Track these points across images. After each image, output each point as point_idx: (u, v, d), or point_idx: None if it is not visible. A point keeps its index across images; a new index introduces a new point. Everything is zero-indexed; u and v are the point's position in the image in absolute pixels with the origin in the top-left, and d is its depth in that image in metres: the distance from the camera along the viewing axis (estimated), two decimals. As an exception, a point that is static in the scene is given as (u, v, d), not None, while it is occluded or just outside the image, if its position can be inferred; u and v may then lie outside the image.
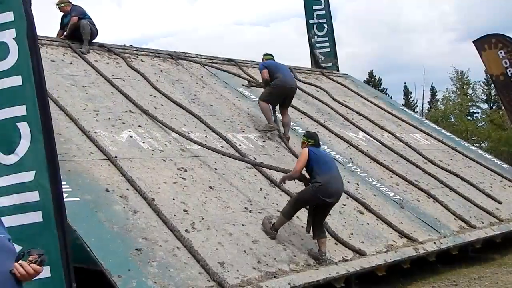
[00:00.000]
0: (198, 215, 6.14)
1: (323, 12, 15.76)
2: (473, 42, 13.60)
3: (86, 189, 5.85)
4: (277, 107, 9.41)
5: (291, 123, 9.75)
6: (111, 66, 9.76)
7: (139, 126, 7.86)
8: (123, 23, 79.91)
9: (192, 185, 6.78)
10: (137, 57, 10.80)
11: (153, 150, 7.30)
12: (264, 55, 9.82)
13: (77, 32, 9.95)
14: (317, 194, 6.06)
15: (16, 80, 4.06)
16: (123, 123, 7.78)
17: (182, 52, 11.92)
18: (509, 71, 12.84)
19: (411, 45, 68.89)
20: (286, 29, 78.14)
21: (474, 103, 37.41)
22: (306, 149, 6.32)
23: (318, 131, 10.13)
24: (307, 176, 6.34)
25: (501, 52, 12.92)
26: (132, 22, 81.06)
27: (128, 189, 6.15)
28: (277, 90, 9.14)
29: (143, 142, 7.43)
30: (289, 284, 5.42)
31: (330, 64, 15.74)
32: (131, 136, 7.47)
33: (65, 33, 10.04)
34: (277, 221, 6.26)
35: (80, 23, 9.92)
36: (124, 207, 5.77)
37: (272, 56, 9.76)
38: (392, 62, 69.61)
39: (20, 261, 2.57)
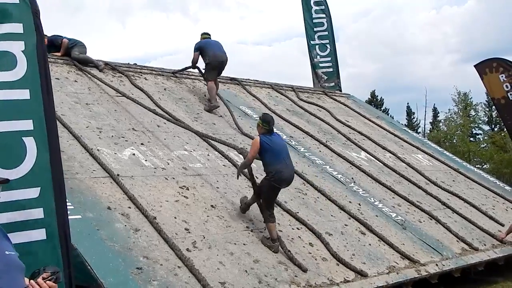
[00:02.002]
0: (199, 234, 6.12)
1: (326, 33, 15.90)
2: (474, 66, 13.76)
3: (88, 206, 5.84)
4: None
5: (294, 142, 9.87)
6: (115, 84, 9.81)
7: (141, 144, 7.88)
8: (127, 42, 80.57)
9: (193, 203, 6.78)
10: (141, 75, 10.87)
11: (155, 168, 7.31)
12: (202, 34, 10.86)
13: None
14: (272, 183, 6.52)
15: (24, 94, 4.00)
16: (126, 140, 7.80)
17: (187, 70, 11.96)
18: (510, 94, 12.98)
19: (414, 66, 69.12)
20: (289, 49, 78.50)
21: (476, 125, 37.43)
22: (258, 138, 6.62)
23: (320, 151, 10.21)
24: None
25: (502, 76, 13.07)
26: (136, 41, 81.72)
27: (130, 207, 6.14)
28: (210, 66, 10.39)
29: (146, 160, 7.44)
30: (290, 305, 5.39)
31: (332, 84, 15.83)
32: (134, 154, 7.49)
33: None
34: (269, 232, 6.45)
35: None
36: (125, 225, 5.76)
37: (209, 34, 10.82)
38: (394, 83, 69.81)
39: (37, 279, 2.58)
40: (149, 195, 6.56)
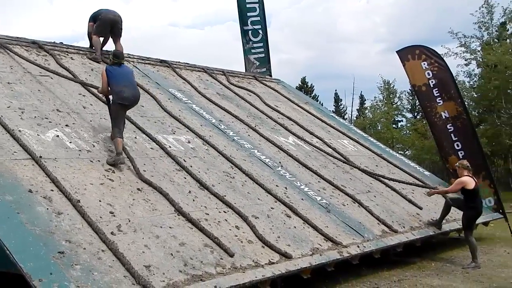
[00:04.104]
0: (124, 217, 6.05)
1: (258, 18, 15.98)
2: (396, 52, 13.92)
3: (7, 189, 5.64)
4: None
5: (223, 126, 9.89)
6: (39, 63, 9.45)
7: (66, 125, 7.67)
8: (54, 20, 77.37)
9: (119, 186, 6.69)
10: (67, 54, 10.53)
11: (80, 151, 7.14)
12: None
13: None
14: (117, 101, 7.56)
15: None
16: (49, 122, 7.55)
17: (114, 51, 11.71)
18: (431, 82, 13.30)
19: (344, 54, 70.86)
20: (221, 33, 78.32)
21: (399, 112, 38.89)
22: (103, 70, 7.79)
23: (249, 135, 10.30)
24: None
25: (424, 63, 13.36)
26: (64, 19, 78.64)
27: (52, 190, 5.98)
28: (101, 22, 10.75)
29: (70, 142, 7.25)
30: (215, 287, 5.43)
31: (264, 69, 15.98)
32: (58, 136, 7.27)
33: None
34: (116, 146, 7.30)
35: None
36: (47, 209, 5.61)
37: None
38: (324, 70, 71.29)
39: None
40: (73, 178, 6.41)
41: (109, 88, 7.67)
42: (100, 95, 8.52)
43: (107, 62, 10.12)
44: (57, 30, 73.35)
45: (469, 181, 9.00)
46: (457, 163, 9.57)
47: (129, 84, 7.77)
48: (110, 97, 7.80)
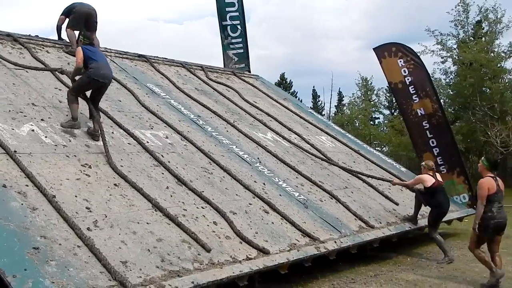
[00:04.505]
0: (101, 213, 5.99)
1: (237, 14, 15.95)
2: (373, 49, 14.07)
3: (-20, 184, 5.55)
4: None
5: (201, 122, 9.86)
6: (14, 56, 9.30)
7: (42, 119, 7.56)
8: (32, 12, 76.16)
9: (96, 182, 6.62)
10: (43, 48, 10.37)
11: (56, 145, 7.04)
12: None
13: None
14: (91, 77, 7.74)
15: None
16: (24, 116, 7.44)
17: (91, 45, 11.57)
18: (408, 79, 13.46)
19: (322, 50, 71.08)
20: (200, 28, 77.93)
21: (377, 109, 39.24)
22: (79, 48, 8.00)
23: (227, 131, 10.28)
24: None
25: (400, 61, 13.51)
26: (41, 12, 77.46)
27: (27, 185, 5.89)
28: (75, 15, 10.67)
29: (46, 137, 7.15)
30: (193, 282, 5.42)
31: (242, 65, 15.96)
32: (33, 130, 7.17)
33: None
34: (72, 112, 7.58)
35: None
36: (22, 204, 5.53)
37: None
38: (303, 66, 71.42)
39: None
40: (48, 173, 6.32)
41: (87, 65, 7.80)
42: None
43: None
44: (35, 23, 72.20)
45: (428, 179, 9.27)
46: (423, 163, 9.77)
47: (106, 63, 8.11)
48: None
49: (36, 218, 5.41)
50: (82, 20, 10.63)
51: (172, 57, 13.62)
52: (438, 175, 9.60)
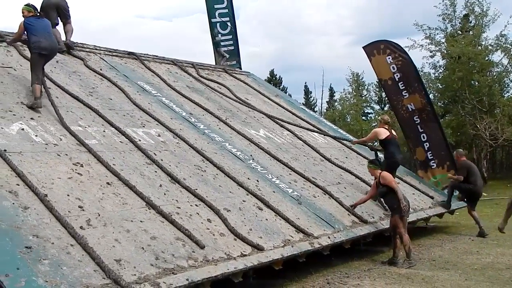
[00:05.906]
0: (94, 211, 5.94)
1: (226, 10, 15.89)
2: (363, 47, 14.19)
3: (-29, 184, 5.48)
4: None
5: (193, 119, 9.85)
6: (1, 55, 9.20)
7: (31, 118, 7.49)
8: (18, 9, 75.31)
9: (88, 180, 6.56)
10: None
11: (46, 144, 6.98)
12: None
13: None
14: (35, 50, 8.11)
15: None
16: (14, 115, 7.36)
17: (80, 43, 11.50)
18: (397, 76, 13.56)
19: (311, 46, 71.14)
20: (189, 25, 77.76)
21: (368, 104, 39.37)
22: (21, 22, 8.23)
23: (220, 128, 10.25)
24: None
25: (389, 58, 13.61)
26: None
27: (18, 184, 5.83)
28: (46, 9, 10.30)
29: (36, 136, 7.08)
30: (187, 280, 5.39)
31: (234, 62, 15.92)
32: (23, 129, 7.09)
33: None
34: (34, 92, 7.87)
35: None
36: (13, 203, 5.47)
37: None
38: (292, 62, 71.52)
39: None
40: (39, 172, 6.26)
41: (28, 39, 8.19)
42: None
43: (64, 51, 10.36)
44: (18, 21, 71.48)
45: (382, 132, 10.12)
46: (378, 117, 10.12)
47: (47, 35, 8.30)
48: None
49: (28, 217, 5.35)
50: (54, 12, 10.49)
51: (161, 54, 13.57)
52: (393, 131, 10.45)
